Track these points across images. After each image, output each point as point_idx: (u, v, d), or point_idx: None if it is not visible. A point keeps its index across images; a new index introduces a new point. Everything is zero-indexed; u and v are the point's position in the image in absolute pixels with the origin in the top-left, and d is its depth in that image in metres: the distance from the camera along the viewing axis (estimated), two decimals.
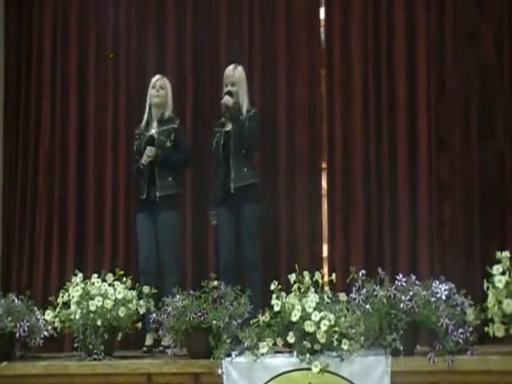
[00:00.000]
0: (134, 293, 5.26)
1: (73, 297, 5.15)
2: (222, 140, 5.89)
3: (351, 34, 6.73)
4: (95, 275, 5.24)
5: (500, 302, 4.39)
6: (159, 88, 6.11)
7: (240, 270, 5.82)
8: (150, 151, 5.94)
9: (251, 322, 4.77)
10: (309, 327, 4.49)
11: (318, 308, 4.55)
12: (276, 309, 4.65)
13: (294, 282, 4.69)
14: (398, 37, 6.60)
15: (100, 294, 5.12)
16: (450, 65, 6.46)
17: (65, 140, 7.11)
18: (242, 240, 5.82)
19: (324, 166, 6.72)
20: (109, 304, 5.08)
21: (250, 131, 5.85)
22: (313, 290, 4.65)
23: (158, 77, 6.17)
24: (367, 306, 4.56)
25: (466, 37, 6.43)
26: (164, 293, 5.40)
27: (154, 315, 5.06)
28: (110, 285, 5.20)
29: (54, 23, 7.30)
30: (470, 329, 4.55)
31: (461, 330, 4.52)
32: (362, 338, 4.55)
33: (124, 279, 5.26)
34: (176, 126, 6.10)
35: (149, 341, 5.80)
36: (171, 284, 5.49)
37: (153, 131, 6.06)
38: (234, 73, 5.94)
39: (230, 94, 5.88)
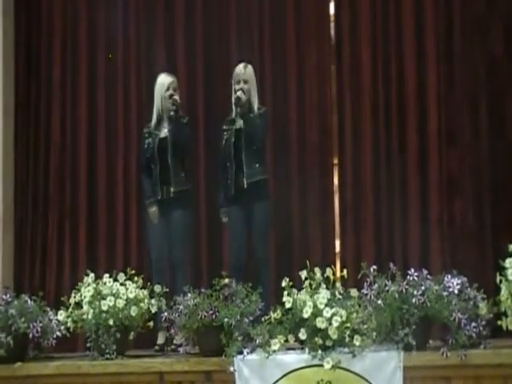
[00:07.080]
0: (146, 292, 5.26)
1: (85, 297, 5.16)
2: (232, 137, 5.90)
3: (360, 29, 6.73)
4: (107, 275, 5.25)
5: None
6: (173, 91, 6.07)
7: (252, 267, 5.83)
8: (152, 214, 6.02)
9: (263, 319, 4.75)
10: (320, 323, 4.48)
11: (329, 304, 4.53)
12: (287, 305, 4.63)
13: (306, 279, 4.67)
14: (406, 31, 6.60)
15: (112, 293, 5.13)
16: (458, 58, 6.44)
17: (76, 142, 7.15)
18: (253, 237, 5.83)
19: (335, 161, 6.72)
20: (121, 303, 5.09)
21: (261, 128, 5.87)
22: (324, 286, 4.64)
23: (171, 79, 6.08)
24: (379, 302, 4.55)
25: (474, 30, 6.42)
26: (176, 291, 5.41)
27: (165, 314, 5.06)
28: (121, 284, 5.20)
29: (63, 27, 7.31)
30: (483, 322, 4.53)
31: (473, 324, 4.50)
32: (374, 334, 4.53)
33: (136, 278, 5.26)
34: (185, 121, 6.10)
35: (161, 339, 5.80)
36: (183, 282, 5.49)
37: (165, 131, 6.06)
38: (246, 71, 5.94)
39: (243, 91, 5.88)
